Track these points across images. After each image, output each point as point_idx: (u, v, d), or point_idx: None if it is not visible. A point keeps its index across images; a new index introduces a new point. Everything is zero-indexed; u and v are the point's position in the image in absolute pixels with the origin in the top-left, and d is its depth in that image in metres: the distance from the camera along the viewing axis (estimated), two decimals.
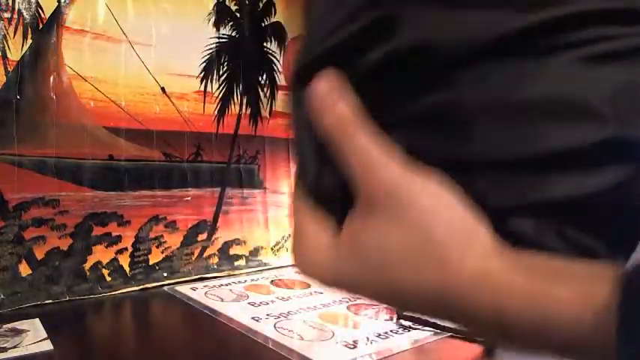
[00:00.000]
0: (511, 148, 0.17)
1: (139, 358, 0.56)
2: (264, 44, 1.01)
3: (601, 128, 0.17)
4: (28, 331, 0.60)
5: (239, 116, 0.98)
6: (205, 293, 0.78)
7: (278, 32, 1.03)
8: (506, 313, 0.17)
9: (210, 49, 0.94)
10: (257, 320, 0.63)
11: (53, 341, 0.56)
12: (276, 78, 1.03)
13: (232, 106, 0.97)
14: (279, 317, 0.64)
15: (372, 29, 0.18)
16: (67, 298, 0.76)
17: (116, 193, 0.83)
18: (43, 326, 0.61)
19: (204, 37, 0.93)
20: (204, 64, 0.93)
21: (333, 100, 0.19)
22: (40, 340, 0.56)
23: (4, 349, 0.54)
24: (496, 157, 0.17)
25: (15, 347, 0.54)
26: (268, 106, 1.02)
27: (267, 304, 0.71)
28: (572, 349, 0.18)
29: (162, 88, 0.88)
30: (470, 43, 0.17)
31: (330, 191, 0.21)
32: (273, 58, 1.02)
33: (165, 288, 0.84)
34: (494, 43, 0.17)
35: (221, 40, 0.95)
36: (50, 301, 0.74)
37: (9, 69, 0.73)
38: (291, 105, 0.21)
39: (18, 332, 0.59)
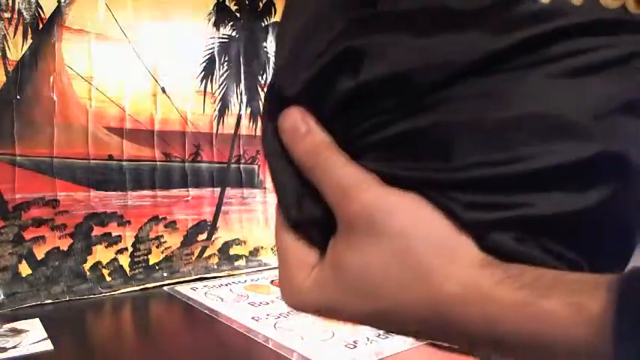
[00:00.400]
0: (492, 167, 0.17)
1: (139, 358, 0.56)
2: (264, 44, 1.01)
3: (585, 145, 0.16)
4: (28, 331, 0.60)
5: (239, 116, 0.98)
6: (205, 293, 0.78)
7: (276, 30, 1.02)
8: (499, 327, 0.17)
9: (211, 49, 0.94)
10: (257, 320, 0.63)
11: (53, 341, 0.56)
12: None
13: (232, 106, 0.97)
14: (279, 317, 0.64)
15: (343, 61, 0.18)
16: (67, 298, 0.76)
17: (116, 193, 0.83)
18: (43, 326, 0.61)
19: (205, 37, 0.93)
20: (205, 64, 0.93)
21: (304, 131, 0.20)
22: (40, 340, 0.56)
23: (4, 349, 0.54)
24: (477, 176, 0.17)
25: (15, 347, 0.54)
26: None
27: (267, 304, 0.71)
28: None
29: (163, 88, 0.88)
30: (445, 68, 0.17)
31: (311, 218, 0.21)
32: (273, 58, 1.02)
33: (165, 288, 0.84)
34: (470, 66, 0.17)
35: (221, 40, 0.95)
36: (50, 301, 0.74)
37: (9, 69, 0.73)
38: (265, 135, 0.21)
39: (18, 332, 0.59)
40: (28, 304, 0.71)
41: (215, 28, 0.94)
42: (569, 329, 0.16)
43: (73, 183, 0.79)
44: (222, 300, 0.74)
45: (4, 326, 0.61)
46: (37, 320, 0.64)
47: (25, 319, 0.64)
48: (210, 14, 0.94)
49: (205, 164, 0.93)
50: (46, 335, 0.58)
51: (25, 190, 0.75)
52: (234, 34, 0.97)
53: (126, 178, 0.84)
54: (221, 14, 0.94)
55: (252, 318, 0.64)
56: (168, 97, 0.89)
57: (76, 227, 0.79)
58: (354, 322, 0.23)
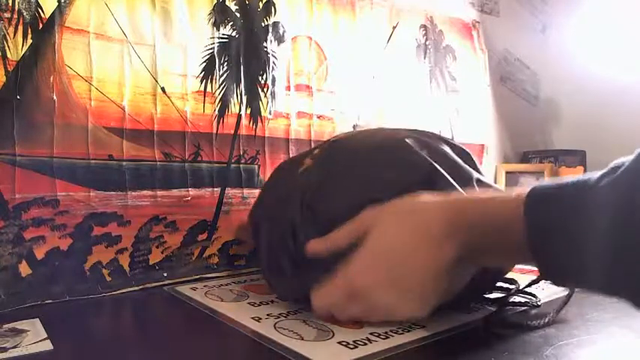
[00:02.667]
0: None
1: (139, 358, 0.56)
2: (264, 44, 1.01)
3: None
4: (29, 331, 0.60)
5: (239, 116, 0.98)
6: (205, 293, 0.78)
7: (278, 32, 1.03)
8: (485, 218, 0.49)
9: (210, 49, 0.94)
10: (257, 320, 0.63)
11: (53, 341, 0.56)
12: (276, 78, 1.03)
13: (232, 106, 0.97)
14: (279, 317, 0.64)
15: None
16: (67, 298, 0.76)
17: (116, 193, 0.83)
18: (44, 326, 0.61)
19: (205, 36, 0.93)
20: (204, 64, 0.93)
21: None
22: (40, 340, 0.56)
23: (4, 349, 0.54)
24: None
25: (15, 347, 0.54)
26: (268, 106, 1.02)
27: (267, 304, 0.71)
28: (504, 236, 0.47)
29: (163, 88, 0.88)
30: None
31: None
32: (273, 58, 1.02)
33: (166, 288, 0.84)
34: None
35: (221, 40, 0.95)
36: (50, 301, 0.74)
37: (9, 69, 0.73)
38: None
39: (18, 332, 0.59)
40: (27, 304, 0.71)
41: (215, 28, 0.94)
42: (507, 208, 0.46)
43: (73, 183, 0.79)
44: (222, 300, 0.74)
45: (4, 326, 0.61)
46: (37, 320, 0.64)
47: (25, 319, 0.64)
48: (210, 14, 0.94)
49: (205, 164, 0.93)
50: (46, 335, 0.58)
51: (25, 190, 0.75)
52: (234, 33, 0.97)
53: (126, 178, 0.84)
54: (221, 14, 0.94)
55: (252, 318, 0.64)
56: (168, 96, 0.89)
57: (76, 227, 0.79)
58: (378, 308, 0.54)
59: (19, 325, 0.62)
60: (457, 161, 0.69)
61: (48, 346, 0.55)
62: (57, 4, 0.77)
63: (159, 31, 0.88)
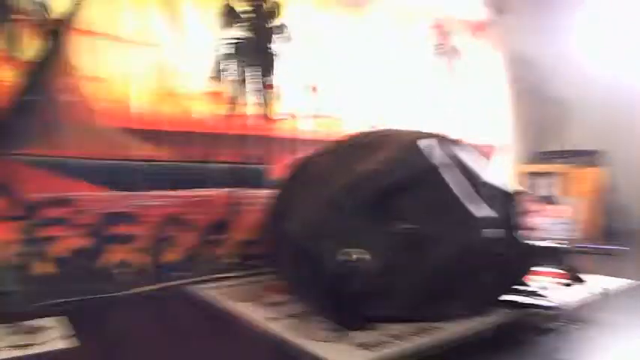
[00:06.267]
0: None
1: (157, 356, 0.56)
2: (271, 45, 1.01)
3: None
4: (47, 328, 0.61)
5: (248, 117, 0.98)
6: (220, 293, 0.79)
7: (284, 33, 1.03)
8: None
9: (219, 49, 0.95)
10: (273, 320, 0.63)
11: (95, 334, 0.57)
12: (284, 79, 1.03)
13: (242, 107, 0.97)
14: (294, 317, 0.64)
15: None
16: (83, 297, 0.77)
17: (131, 193, 0.84)
18: (59, 324, 0.62)
19: (214, 38, 0.94)
20: (214, 65, 0.94)
21: None
22: (55, 339, 0.57)
23: (25, 346, 0.54)
24: None
25: (33, 345, 0.55)
26: (277, 106, 1.02)
27: (284, 303, 0.71)
28: None
29: (174, 89, 0.89)
30: None
31: None
32: (280, 59, 1.03)
33: (180, 288, 0.85)
34: None
35: (229, 42, 0.96)
36: (64, 299, 0.75)
37: (21, 71, 0.74)
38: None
39: (35, 330, 0.60)
40: (42, 303, 0.72)
41: (223, 30, 0.95)
42: None
43: (88, 183, 0.80)
44: (237, 300, 0.74)
45: (25, 323, 0.62)
46: (53, 319, 0.64)
47: (41, 317, 0.65)
48: (218, 15, 0.94)
49: (217, 164, 0.94)
50: (61, 333, 0.59)
51: (42, 190, 0.75)
52: (242, 35, 0.97)
53: (140, 178, 0.85)
54: (229, 16, 0.95)
55: (268, 318, 0.64)
56: (178, 97, 0.89)
57: (91, 227, 0.80)
58: None
59: (37, 322, 0.63)
60: (465, 164, 0.69)
61: (63, 344, 0.56)
62: (68, 6, 0.78)
63: (168, 33, 0.88)
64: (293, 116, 1.05)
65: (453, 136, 0.79)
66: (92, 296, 0.77)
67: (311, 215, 0.63)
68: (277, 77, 1.02)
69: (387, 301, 0.60)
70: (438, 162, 0.64)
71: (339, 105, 1.13)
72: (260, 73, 1.00)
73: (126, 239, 0.83)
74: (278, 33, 1.03)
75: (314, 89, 1.08)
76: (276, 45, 1.03)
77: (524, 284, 0.75)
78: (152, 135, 0.87)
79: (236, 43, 0.97)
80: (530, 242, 0.69)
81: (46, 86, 0.76)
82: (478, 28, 1.45)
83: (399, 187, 0.61)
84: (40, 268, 0.74)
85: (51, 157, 0.77)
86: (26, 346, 0.54)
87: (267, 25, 1.01)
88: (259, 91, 1.00)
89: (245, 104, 0.98)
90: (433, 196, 0.62)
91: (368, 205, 0.60)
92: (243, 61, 0.98)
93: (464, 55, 1.39)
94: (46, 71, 0.76)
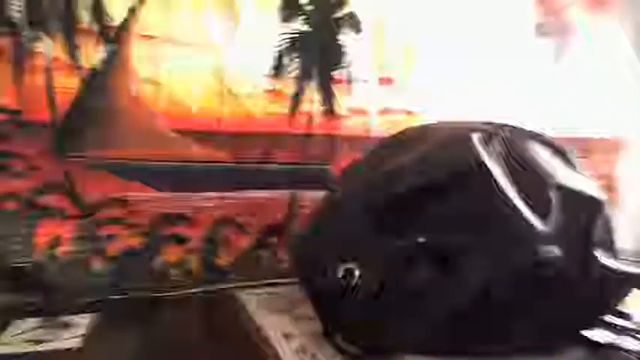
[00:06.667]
0: None
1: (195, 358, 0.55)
2: (339, 36, 0.95)
3: None
4: (75, 326, 0.63)
5: (311, 115, 0.93)
6: (259, 300, 0.76)
7: (354, 22, 0.95)
8: None
9: (281, 45, 0.91)
10: (290, 338, 0.58)
11: (111, 335, 0.58)
12: (353, 72, 0.96)
13: (304, 104, 0.92)
14: (314, 336, 0.58)
15: None
16: (134, 295, 0.79)
17: (186, 194, 0.84)
18: (91, 322, 0.64)
19: (274, 33, 0.90)
20: (275, 61, 0.90)
21: None
22: (70, 338, 0.58)
23: (39, 342, 0.56)
24: None
25: (49, 342, 0.57)
26: (344, 102, 0.95)
27: (313, 319, 0.65)
28: None
29: (230, 89, 0.87)
30: None
31: None
32: (349, 51, 0.95)
33: (228, 291, 0.83)
34: None
35: (292, 36, 0.91)
36: (118, 296, 0.78)
37: (84, 77, 0.78)
38: None
39: (63, 326, 0.62)
40: (95, 299, 0.76)
41: (285, 24, 0.91)
42: None
43: (144, 184, 0.82)
44: (271, 309, 0.71)
45: (59, 319, 0.65)
46: (86, 315, 0.67)
47: (77, 314, 0.67)
48: (279, 9, 0.90)
49: (276, 165, 0.91)
50: (82, 332, 0.60)
51: (101, 190, 0.79)
52: (305, 28, 0.92)
53: (195, 179, 0.85)
54: (291, 8, 0.91)
55: (287, 334, 0.59)
56: (236, 97, 0.88)
57: (147, 227, 0.82)
58: None
59: (80, 318, 0.65)
60: (535, 162, 0.56)
61: (103, 340, 0.57)
62: (127, 13, 0.80)
63: (225, 31, 0.87)
64: (364, 112, 0.98)
65: (534, 128, 0.65)
66: (140, 295, 0.79)
67: (316, 222, 0.56)
68: (346, 70, 0.96)
69: (408, 330, 0.50)
70: (484, 160, 0.52)
71: (421, 98, 1.02)
72: (326, 66, 0.94)
73: (180, 240, 0.84)
74: (346, 23, 0.96)
75: (389, 81, 1.00)
76: (345, 35, 0.96)
77: (615, 316, 0.59)
78: (210, 136, 0.86)
79: (298, 36, 0.92)
80: (618, 266, 0.53)
81: (106, 91, 0.80)
82: (597, 1, 1.21)
83: (424, 191, 0.51)
84: (96, 264, 0.78)
85: (110, 159, 0.80)
86: (40, 342, 0.56)
87: (333, 15, 0.95)
88: (325, 86, 0.94)
89: (309, 101, 0.93)
90: (471, 202, 0.51)
91: (379, 212, 0.51)
92: (307, 56, 0.93)
93: (578, 34, 1.17)
94: (106, 77, 0.80)
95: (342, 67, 0.95)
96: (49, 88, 0.77)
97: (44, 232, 0.76)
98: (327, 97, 0.94)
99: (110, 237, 0.80)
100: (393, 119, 0.99)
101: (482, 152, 0.54)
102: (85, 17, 0.78)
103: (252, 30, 0.89)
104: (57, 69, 0.77)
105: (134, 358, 0.56)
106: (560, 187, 0.54)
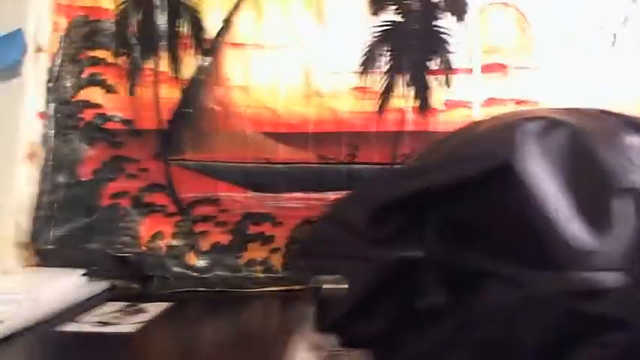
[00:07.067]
0: None
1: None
2: (437, 23, 0.86)
3: None
4: (146, 312, 0.69)
5: (404, 110, 0.86)
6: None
7: (457, 5, 0.85)
8: None
9: (370, 40, 0.86)
10: (314, 351, 0.55)
11: (166, 326, 0.63)
12: (453, 61, 0.86)
13: (395, 100, 0.86)
14: (338, 351, 0.54)
15: None
16: (219, 289, 0.84)
17: (270, 195, 0.86)
18: (165, 311, 0.70)
19: (363, 28, 0.86)
20: (364, 57, 0.86)
21: None
22: (136, 323, 0.65)
23: (107, 324, 0.64)
24: None
25: (116, 324, 0.64)
26: (442, 95, 0.86)
27: None
28: None
29: (317, 89, 0.86)
30: None
31: None
32: (448, 37, 0.86)
33: (306, 292, 0.82)
34: None
35: (383, 28, 0.86)
36: (205, 289, 0.84)
37: (183, 86, 0.86)
38: None
39: (137, 312, 0.69)
40: (182, 289, 0.83)
41: (375, 16, 0.86)
42: None
43: (232, 184, 0.86)
44: None
45: (140, 305, 0.73)
46: (163, 304, 0.73)
47: (157, 302, 0.74)
48: (368, 2, 0.86)
49: (363, 165, 0.86)
50: (149, 319, 0.66)
51: (195, 190, 0.86)
52: (397, 18, 0.86)
53: (280, 180, 0.86)
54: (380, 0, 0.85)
55: (314, 346, 0.56)
56: (321, 97, 0.86)
57: (234, 225, 0.86)
58: None
59: (149, 306, 0.72)
60: (606, 160, 0.42)
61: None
62: (220, 25, 0.86)
63: (312, 31, 0.86)
64: (468, 105, 0.87)
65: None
66: (227, 289, 0.83)
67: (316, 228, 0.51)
68: (444, 59, 0.86)
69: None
70: (518, 155, 0.41)
71: (539, 85, 0.86)
72: (420, 57, 0.87)
73: (264, 239, 0.86)
74: (446, 7, 0.86)
75: (499, 67, 0.87)
76: (444, 21, 0.86)
77: None
78: (296, 137, 0.87)
79: (390, 27, 0.87)
80: None
81: (199, 98, 0.87)
82: None
83: (435, 193, 0.42)
84: (188, 259, 0.85)
85: (202, 161, 0.87)
86: (107, 324, 0.63)
87: (431, 1, 0.87)
88: (418, 79, 0.86)
89: (401, 97, 0.87)
90: (495, 209, 0.41)
91: (378, 213, 0.44)
92: (399, 47, 0.87)
93: None
94: (202, 86, 0.87)
95: (440, 57, 0.86)
96: (156, 99, 0.86)
97: (148, 227, 0.86)
98: (421, 91, 0.86)
99: (202, 233, 0.86)
100: (502, 110, 0.85)
101: (523, 145, 0.42)
102: (184, 32, 0.86)
103: (341, 27, 0.87)
104: (162, 82, 0.87)
105: (175, 349, 0.59)
106: (631, 191, 0.39)
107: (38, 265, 0.83)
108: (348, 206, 0.49)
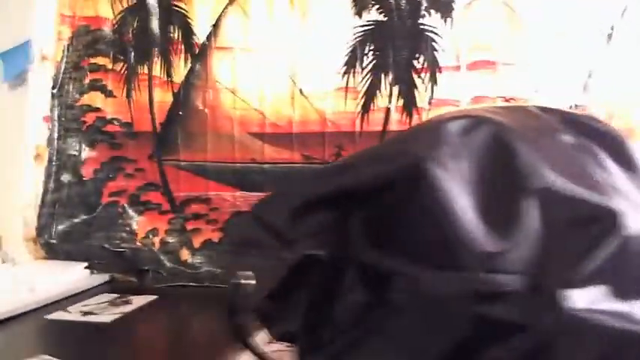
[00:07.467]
0: None
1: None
2: (421, 21, 0.85)
3: None
4: (130, 304, 0.73)
5: (388, 110, 0.86)
6: None
7: (438, 4, 0.84)
8: None
9: (354, 40, 0.87)
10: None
11: (144, 318, 0.68)
12: (439, 59, 0.85)
13: (379, 100, 0.86)
14: None
15: None
16: (208, 284, 0.87)
17: (257, 194, 0.88)
18: (146, 303, 0.74)
19: (346, 28, 0.87)
20: (346, 57, 0.87)
21: None
22: (118, 313, 0.69)
23: (89, 314, 0.68)
24: None
25: (96, 314, 0.68)
26: (427, 93, 0.85)
27: None
28: None
29: (300, 90, 0.88)
30: None
31: None
32: (432, 35, 0.85)
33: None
34: None
35: (366, 28, 0.86)
36: (195, 284, 0.87)
37: (174, 90, 0.90)
38: None
39: (122, 303, 0.74)
40: (168, 284, 0.86)
41: (358, 17, 0.86)
42: None
43: (222, 184, 0.90)
44: None
45: (129, 297, 0.77)
46: (147, 297, 0.77)
47: (142, 295, 0.78)
48: (351, 2, 0.86)
49: None
50: (140, 311, 0.70)
51: (187, 189, 0.90)
52: (381, 17, 0.86)
53: (268, 179, 0.89)
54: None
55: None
56: (306, 97, 0.88)
57: (224, 222, 0.89)
58: None
59: (133, 298, 0.77)
60: (517, 161, 0.41)
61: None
62: (209, 29, 0.89)
63: (296, 33, 0.88)
64: (452, 103, 0.85)
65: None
66: (214, 285, 0.86)
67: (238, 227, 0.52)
68: (430, 57, 0.86)
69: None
70: (423, 155, 0.41)
71: (529, 82, 0.84)
72: (406, 56, 0.86)
73: None
74: (432, 3, 0.85)
75: (488, 64, 0.85)
76: (430, 20, 0.86)
77: None
78: (282, 137, 0.89)
79: (373, 27, 0.87)
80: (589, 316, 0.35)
81: (190, 101, 0.90)
82: None
83: (345, 194, 0.43)
84: (181, 255, 0.89)
85: (194, 161, 0.90)
86: (91, 314, 0.68)
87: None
88: (403, 78, 0.86)
89: (386, 96, 0.87)
90: (408, 211, 0.41)
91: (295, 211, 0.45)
92: (383, 47, 0.86)
93: None
94: (192, 89, 0.90)
95: (425, 55, 0.85)
96: (151, 102, 0.91)
97: (143, 224, 0.90)
98: (406, 90, 0.85)
99: (193, 231, 0.89)
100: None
101: (439, 145, 0.42)
102: (176, 37, 0.90)
103: (325, 28, 0.88)
104: (156, 85, 0.91)
105: (139, 341, 0.62)
106: (548, 192, 0.38)
107: (45, 258, 0.89)
108: (268, 206, 0.50)
